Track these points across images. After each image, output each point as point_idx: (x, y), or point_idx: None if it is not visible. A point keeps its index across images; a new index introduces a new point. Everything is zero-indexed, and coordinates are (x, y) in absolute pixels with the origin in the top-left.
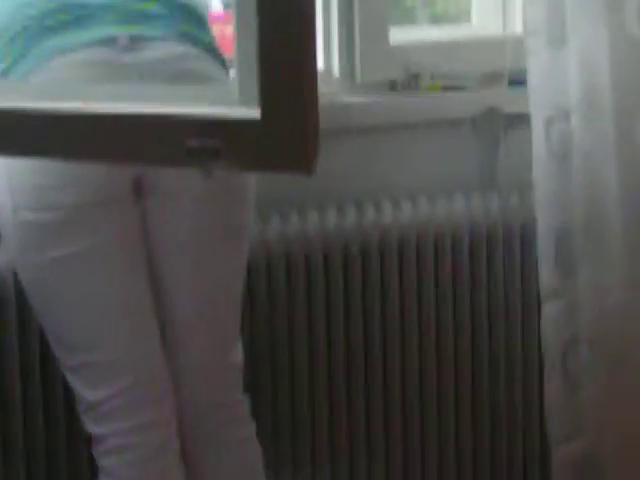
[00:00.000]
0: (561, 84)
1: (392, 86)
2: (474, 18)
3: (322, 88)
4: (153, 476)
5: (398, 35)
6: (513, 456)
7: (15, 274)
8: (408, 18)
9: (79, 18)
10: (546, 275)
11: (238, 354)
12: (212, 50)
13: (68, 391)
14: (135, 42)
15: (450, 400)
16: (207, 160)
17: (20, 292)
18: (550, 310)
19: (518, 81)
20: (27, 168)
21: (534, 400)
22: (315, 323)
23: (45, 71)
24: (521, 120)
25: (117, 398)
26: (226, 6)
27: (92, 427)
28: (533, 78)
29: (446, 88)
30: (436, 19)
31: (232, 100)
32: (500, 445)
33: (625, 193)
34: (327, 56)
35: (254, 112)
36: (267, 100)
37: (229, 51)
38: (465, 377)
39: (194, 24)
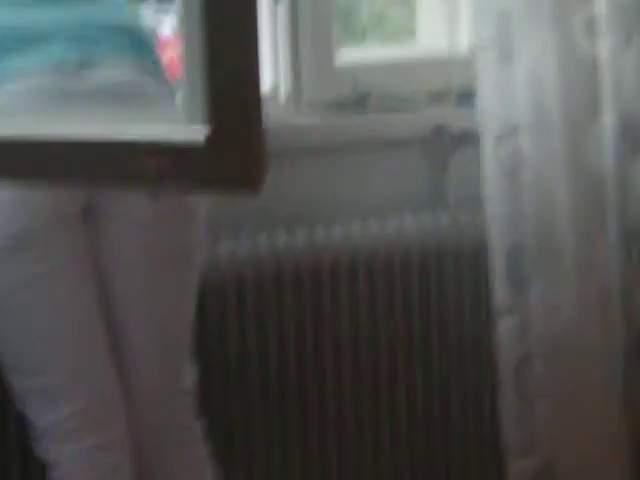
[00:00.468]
0: (510, 100)
1: (340, 106)
2: (421, 36)
3: (270, 109)
4: None
5: (347, 55)
6: (468, 472)
7: None
8: (358, 38)
9: (30, 40)
10: (499, 292)
11: (190, 377)
12: (159, 74)
13: (22, 419)
14: (81, 67)
15: (402, 418)
16: (153, 183)
17: None
18: (503, 326)
19: (465, 99)
20: None
21: (487, 416)
22: (267, 344)
23: None
24: (469, 138)
25: (70, 421)
26: (176, 31)
27: (46, 453)
28: (482, 95)
29: (394, 108)
30: (388, 39)
31: (178, 122)
32: (455, 461)
33: (575, 209)
34: (274, 77)
35: (200, 133)
36: (213, 121)
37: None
38: (418, 395)
39: (141, 49)
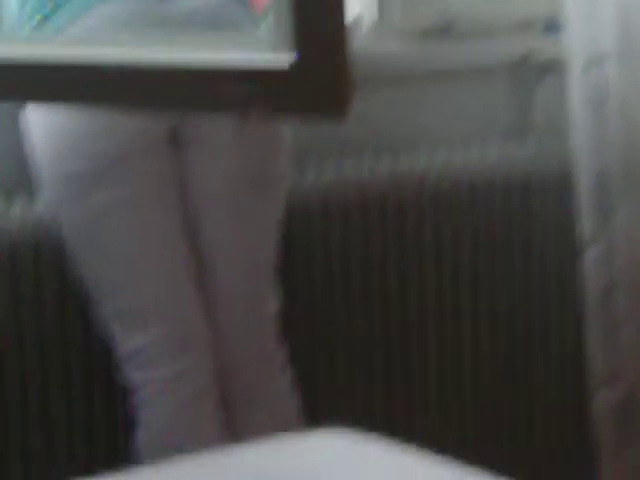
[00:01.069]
0: (596, 30)
1: (426, 34)
2: None
3: (355, 37)
4: (189, 424)
5: None
6: (551, 401)
7: (53, 224)
8: None
9: None
10: (585, 221)
11: (273, 304)
12: (243, 2)
13: (106, 343)
14: None
15: (485, 347)
16: (242, 107)
17: (57, 241)
18: (590, 255)
19: (552, 28)
20: (63, 120)
21: (570, 346)
22: (352, 271)
23: (82, 22)
24: (555, 67)
25: (154, 346)
26: None
27: (130, 375)
28: (569, 24)
29: (479, 35)
30: None
31: (265, 47)
32: (538, 391)
33: None
34: (362, 3)
35: (287, 59)
36: (300, 47)
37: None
38: (501, 323)
39: None
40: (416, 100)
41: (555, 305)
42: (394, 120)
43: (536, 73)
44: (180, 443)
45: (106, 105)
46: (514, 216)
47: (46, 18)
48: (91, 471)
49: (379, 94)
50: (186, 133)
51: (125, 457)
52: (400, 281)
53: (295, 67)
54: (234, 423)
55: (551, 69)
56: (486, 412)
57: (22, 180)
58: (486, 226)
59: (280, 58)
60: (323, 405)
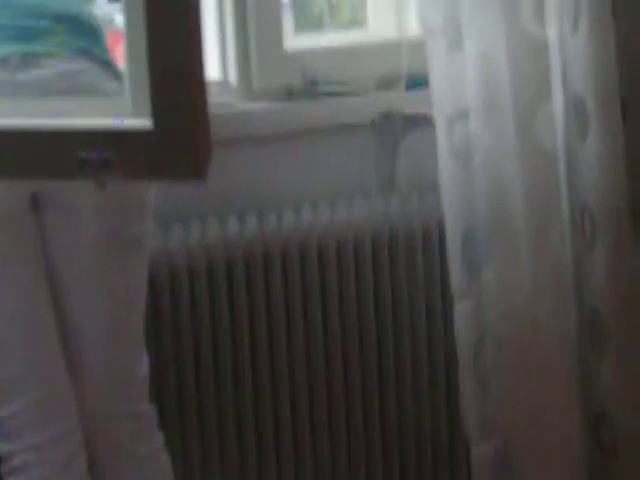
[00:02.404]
0: (460, 85)
1: (289, 93)
2: (370, 22)
3: (219, 97)
4: None
5: (298, 42)
6: (425, 456)
7: None
8: (312, 28)
9: None
10: (455, 275)
11: (143, 366)
12: (107, 64)
13: None
14: (27, 60)
15: (358, 403)
16: (99, 171)
17: None
18: (461, 310)
19: (415, 84)
20: None
21: (442, 402)
22: (219, 332)
23: None
24: (419, 122)
25: (18, 416)
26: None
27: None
28: (433, 80)
29: (343, 93)
30: (341, 28)
31: (125, 112)
32: (412, 445)
33: (528, 189)
34: (223, 64)
35: (146, 123)
36: (158, 111)
37: None
38: (373, 382)
39: (88, 39)
40: (280, 159)
41: (424, 359)
42: (259, 180)
43: (400, 129)
44: None
45: None
46: (381, 272)
47: None
48: None
49: (244, 154)
50: (46, 198)
51: None
52: (268, 338)
53: (153, 132)
54: None
55: (415, 125)
56: (359, 468)
57: None
58: (354, 281)
59: (138, 123)
60: (194, 469)
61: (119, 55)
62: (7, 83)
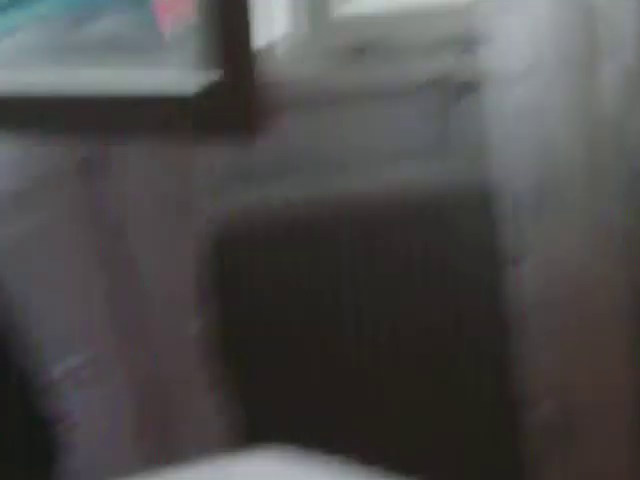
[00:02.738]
0: (514, 48)
1: (347, 55)
2: None
3: (278, 59)
4: (117, 447)
5: (354, 5)
6: (482, 419)
7: None
8: None
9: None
10: (508, 239)
11: (198, 324)
12: (156, 24)
13: (21, 372)
14: (75, 21)
15: (413, 365)
16: (154, 132)
17: None
18: (514, 274)
19: (469, 47)
20: None
21: (499, 366)
22: (279, 294)
23: None
24: (473, 85)
25: (76, 373)
26: None
27: (54, 404)
28: (485, 43)
29: (396, 57)
30: None
31: (179, 73)
32: (469, 410)
33: (579, 154)
34: (274, 30)
35: (202, 84)
36: (214, 72)
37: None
38: (425, 343)
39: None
40: (333, 122)
41: (480, 323)
42: (318, 141)
43: (454, 92)
44: (109, 468)
45: (18, 133)
46: (433, 235)
47: None
48: None
49: (302, 116)
50: (97, 161)
51: None
52: (325, 298)
53: (209, 93)
54: (163, 445)
55: (469, 88)
56: (420, 429)
57: None
58: (406, 245)
59: (193, 85)
60: (260, 425)
61: (168, 23)
62: (57, 44)
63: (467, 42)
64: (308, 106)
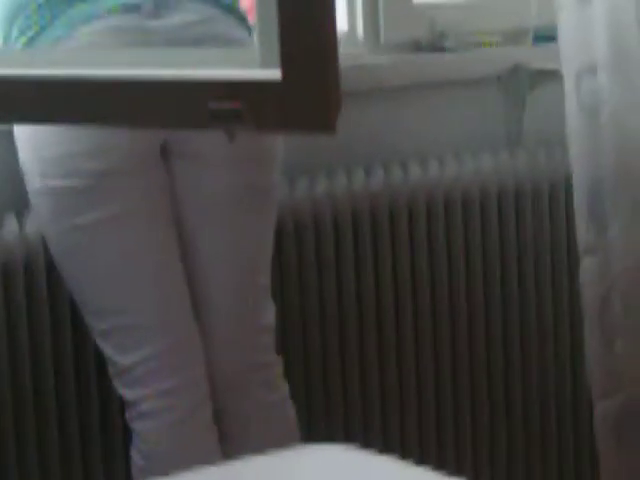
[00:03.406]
0: (589, 39)
1: (417, 46)
2: None
3: (346, 50)
4: (185, 439)
5: None
6: (549, 412)
7: (44, 242)
8: None
9: None
10: (582, 230)
11: (270, 316)
12: (235, 12)
13: (100, 357)
14: (159, 7)
15: (482, 360)
16: (229, 122)
17: (50, 259)
18: (587, 265)
19: (544, 38)
20: (54, 136)
21: (567, 358)
22: (344, 284)
23: (71, 39)
24: (547, 76)
25: (148, 362)
26: None
27: (124, 392)
28: (561, 33)
29: (471, 46)
30: None
31: (253, 62)
32: (536, 403)
33: None
34: (351, 17)
35: (275, 73)
36: (288, 61)
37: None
38: (496, 337)
39: None
40: (407, 112)
41: (550, 315)
42: (386, 132)
43: (527, 83)
44: (176, 458)
45: (96, 122)
46: (507, 226)
47: (31, 40)
48: None
49: (370, 107)
50: (176, 148)
51: (121, 472)
52: (394, 292)
53: (282, 82)
54: (230, 437)
55: (542, 79)
56: (482, 426)
57: (13, 197)
58: (479, 235)
59: (268, 73)
60: (318, 420)
61: (251, 7)
62: (139, 30)
63: (544, 31)
64: (385, 94)
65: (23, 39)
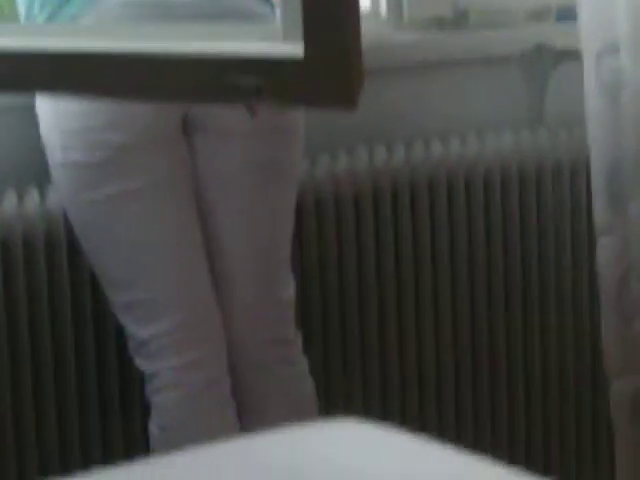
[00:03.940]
0: (611, 19)
1: (440, 23)
2: None
3: (369, 27)
4: (203, 413)
5: None
6: (566, 391)
7: (65, 215)
8: None
9: None
10: (600, 210)
11: (290, 291)
12: None
13: (119, 330)
14: None
15: (502, 338)
16: (249, 98)
17: (71, 232)
18: (604, 245)
19: (565, 16)
20: (75, 109)
21: (585, 336)
22: (364, 261)
23: (92, 13)
24: (569, 56)
25: (167, 336)
26: None
27: (143, 365)
28: (583, 13)
29: (493, 25)
30: None
31: (275, 37)
32: (553, 381)
33: None
34: None
35: (297, 48)
36: (310, 37)
37: None
38: (516, 313)
39: None
40: (430, 89)
41: (569, 295)
42: (408, 110)
43: (550, 62)
44: (193, 432)
45: (117, 95)
46: (528, 204)
47: (54, 12)
48: (105, 459)
49: (392, 84)
50: (198, 122)
51: (140, 444)
52: (414, 268)
53: (305, 57)
54: (249, 411)
55: (565, 58)
56: (500, 402)
57: (35, 171)
58: (500, 214)
59: (289, 49)
60: (336, 394)
61: None
62: (161, 4)
63: (563, 12)
64: (408, 72)
65: (43, 15)
